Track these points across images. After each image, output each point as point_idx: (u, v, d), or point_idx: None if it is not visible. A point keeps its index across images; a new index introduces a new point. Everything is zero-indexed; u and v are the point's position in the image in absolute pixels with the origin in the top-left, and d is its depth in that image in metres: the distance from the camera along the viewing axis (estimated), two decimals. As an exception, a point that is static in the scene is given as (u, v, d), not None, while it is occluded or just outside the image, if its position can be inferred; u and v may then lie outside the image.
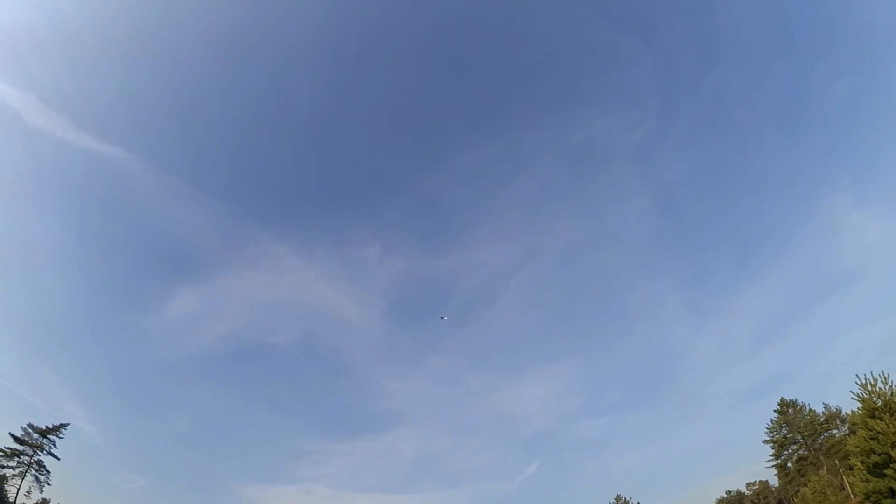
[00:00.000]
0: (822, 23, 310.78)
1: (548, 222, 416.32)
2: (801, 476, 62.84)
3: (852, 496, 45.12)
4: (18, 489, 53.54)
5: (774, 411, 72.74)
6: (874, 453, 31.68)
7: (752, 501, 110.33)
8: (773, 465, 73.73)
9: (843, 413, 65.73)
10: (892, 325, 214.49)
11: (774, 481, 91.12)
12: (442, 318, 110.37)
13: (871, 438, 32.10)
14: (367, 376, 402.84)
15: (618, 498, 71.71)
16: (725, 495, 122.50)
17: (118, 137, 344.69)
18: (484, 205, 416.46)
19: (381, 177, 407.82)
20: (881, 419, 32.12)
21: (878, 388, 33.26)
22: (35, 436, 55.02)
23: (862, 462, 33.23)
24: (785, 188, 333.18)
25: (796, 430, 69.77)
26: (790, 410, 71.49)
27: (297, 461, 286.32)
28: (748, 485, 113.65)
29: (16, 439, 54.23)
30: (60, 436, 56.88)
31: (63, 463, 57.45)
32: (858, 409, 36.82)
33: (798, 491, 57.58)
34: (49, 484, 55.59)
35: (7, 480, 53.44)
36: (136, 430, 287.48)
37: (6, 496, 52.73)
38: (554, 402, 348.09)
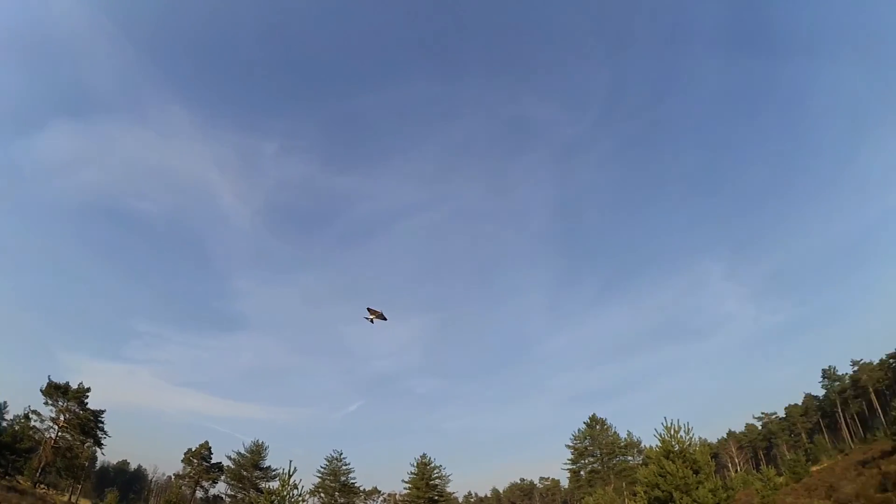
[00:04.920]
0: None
1: (459, 178, 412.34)
2: (590, 486, 70.63)
3: (629, 519, 51.83)
4: None
5: (584, 423, 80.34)
6: (659, 488, 35.07)
7: (541, 494, 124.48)
8: (568, 469, 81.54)
9: (641, 445, 74.98)
10: (712, 389, 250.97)
11: (566, 483, 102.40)
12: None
13: (660, 475, 35.53)
14: (225, 272, 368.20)
15: (423, 456, 72.19)
16: (519, 482, 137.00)
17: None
18: (405, 139, 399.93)
19: (310, 73, 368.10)
20: (673, 462, 35.50)
21: (678, 436, 37.08)
22: None
23: (646, 492, 36.74)
24: (671, 235, 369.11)
25: (597, 445, 78.08)
26: (598, 427, 79.56)
27: (128, 338, 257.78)
28: (542, 479, 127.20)
29: None
30: None
31: None
32: (657, 446, 40.29)
33: (583, 498, 64.73)
34: None
35: None
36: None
37: None
38: (400, 351, 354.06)
